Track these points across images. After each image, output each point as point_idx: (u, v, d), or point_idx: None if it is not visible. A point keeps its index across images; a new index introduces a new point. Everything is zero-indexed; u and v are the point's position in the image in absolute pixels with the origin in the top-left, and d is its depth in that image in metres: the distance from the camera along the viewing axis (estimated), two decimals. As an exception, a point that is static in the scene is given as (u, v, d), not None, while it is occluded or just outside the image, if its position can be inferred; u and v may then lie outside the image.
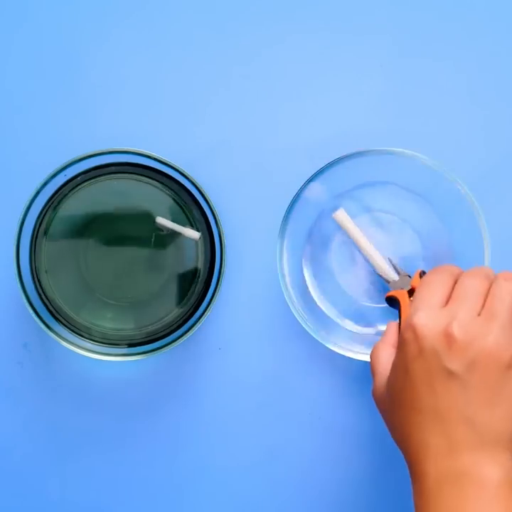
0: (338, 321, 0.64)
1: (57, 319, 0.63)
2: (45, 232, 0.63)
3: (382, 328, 0.63)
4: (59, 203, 0.63)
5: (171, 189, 0.64)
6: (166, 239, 0.64)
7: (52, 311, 0.63)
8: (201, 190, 0.63)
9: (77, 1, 0.66)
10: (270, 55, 0.65)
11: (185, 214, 0.64)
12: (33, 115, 0.66)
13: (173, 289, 0.64)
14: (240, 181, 0.65)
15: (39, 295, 0.63)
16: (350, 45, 0.65)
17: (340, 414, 0.65)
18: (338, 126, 0.65)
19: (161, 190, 0.64)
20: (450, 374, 0.49)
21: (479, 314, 0.50)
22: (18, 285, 0.62)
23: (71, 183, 0.63)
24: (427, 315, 0.50)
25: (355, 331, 0.64)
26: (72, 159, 0.62)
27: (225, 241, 0.63)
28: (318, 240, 0.64)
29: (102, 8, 0.66)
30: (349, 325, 0.64)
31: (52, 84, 0.66)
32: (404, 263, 0.63)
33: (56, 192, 0.63)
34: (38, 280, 0.63)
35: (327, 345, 0.61)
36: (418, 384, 0.50)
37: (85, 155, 0.62)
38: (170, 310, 0.64)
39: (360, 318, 0.64)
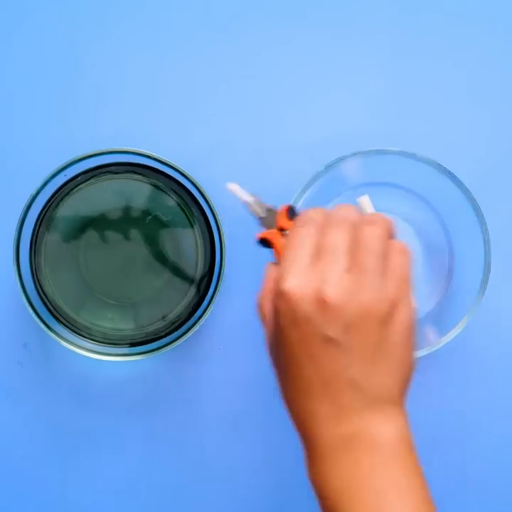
0: None
1: (57, 319, 0.63)
2: (45, 232, 0.63)
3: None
4: (59, 203, 0.63)
5: (171, 189, 0.64)
6: (166, 237, 0.64)
7: (52, 311, 0.63)
8: (201, 190, 0.63)
9: (77, 1, 0.66)
10: (270, 56, 0.66)
11: (185, 214, 0.64)
12: (33, 115, 0.66)
13: (173, 288, 0.64)
14: (240, 181, 0.65)
15: (39, 295, 0.63)
16: (351, 46, 0.65)
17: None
18: (339, 126, 0.65)
19: (161, 190, 0.64)
20: (328, 340, 0.46)
21: (349, 270, 0.47)
22: (18, 285, 0.62)
23: (71, 183, 0.63)
24: (296, 280, 0.47)
25: None
26: (72, 159, 0.62)
27: (225, 241, 0.63)
28: None
29: (102, 8, 0.66)
30: None
31: (52, 84, 0.66)
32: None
33: (56, 192, 0.63)
34: (38, 280, 0.63)
35: None
36: (297, 353, 0.47)
37: (85, 155, 0.62)
38: (170, 310, 0.64)
39: None
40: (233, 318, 0.65)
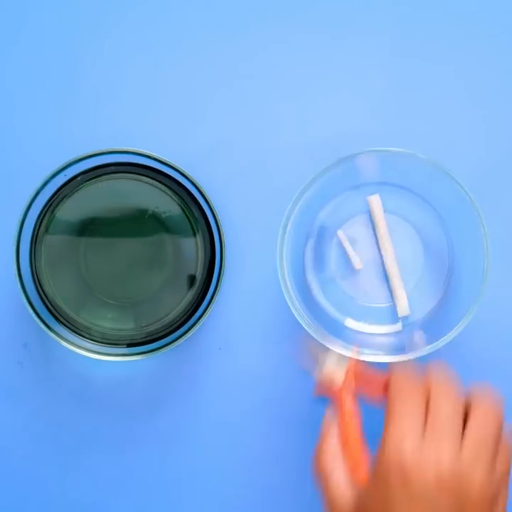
0: (340, 319, 0.64)
1: (57, 319, 0.63)
2: (45, 233, 0.63)
3: (384, 328, 0.64)
4: (59, 203, 0.63)
5: (171, 189, 0.64)
6: (166, 237, 0.64)
7: (52, 311, 0.63)
8: (201, 190, 0.63)
9: (76, 2, 0.66)
10: (270, 56, 0.66)
11: (185, 214, 0.64)
12: (33, 115, 0.66)
13: (173, 289, 0.64)
14: (240, 181, 0.65)
15: (39, 295, 0.63)
16: (351, 46, 0.65)
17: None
18: (339, 126, 0.65)
19: (161, 190, 0.64)
20: None
21: (461, 446, 0.49)
22: (18, 285, 0.62)
23: (71, 183, 0.63)
24: (412, 452, 0.48)
25: (357, 329, 0.64)
26: (72, 159, 0.62)
27: (225, 241, 0.63)
28: (320, 239, 0.64)
29: (101, 8, 0.66)
30: (351, 323, 0.64)
31: (52, 84, 0.66)
32: (405, 262, 0.64)
33: (56, 192, 0.63)
34: (38, 280, 0.63)
35: (327, 345, 0.61)
36: None
37: (85, 155, 0.62)
38: (170, 310, 0.64)
39: (362, 316, 0.64)
40: (233, 318, 0.65)
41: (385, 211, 0.64)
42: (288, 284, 0.61)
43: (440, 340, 0.58)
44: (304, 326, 0.61)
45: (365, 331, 0.64)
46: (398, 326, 0.64)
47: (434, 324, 0.62)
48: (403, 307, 0.63)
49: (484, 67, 0.65)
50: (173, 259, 0.64)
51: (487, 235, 0.59)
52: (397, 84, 0.65)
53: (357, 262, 0.64)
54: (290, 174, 0.64)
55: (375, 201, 0.63)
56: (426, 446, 0.48)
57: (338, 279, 0.64)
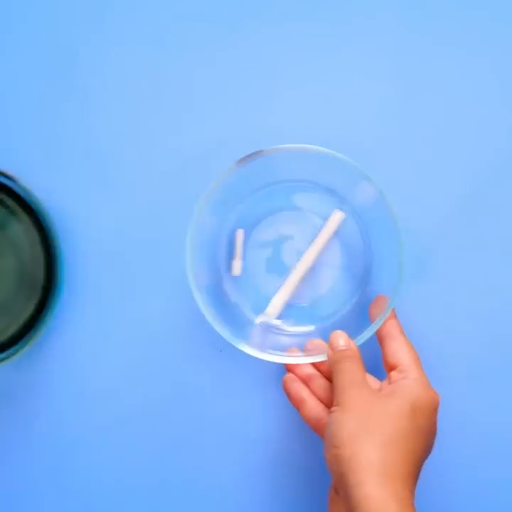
0: (253, 319, 0.64)
1: None
2: None
3: (298, 328, 0.64)
4: None
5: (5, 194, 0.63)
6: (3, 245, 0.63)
7: None
8: (30, 192, 0.61)
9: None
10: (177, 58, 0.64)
11: (19, 218, 0.63)
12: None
13: (17, 298, 0.63)
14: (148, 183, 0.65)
15: None
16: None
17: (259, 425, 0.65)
18: (255, 122, 0.64)
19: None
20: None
21: None
22: None
23: None
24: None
25: (269, 329, 0.64)
26: None
27: (62, 249, 0.63)
28: (233, 238, 0.64)
29: (98, 9, 0.65)
30: (265, 323, 0.63)
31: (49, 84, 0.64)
32: (323, 261, 0.63)
33: None
34: None
35: (239, 347, 0.60)
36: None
37: None
38: (15, 320, 0.63)
39: (282, 316, 0.64)
40: (84, 324, 0.65)
41: (304, 209, 0.63)
42: (195, 283, 0.60)
43: (356, 338, 0.59)
44: (212, 324, 0.60)
45: (278, 330, 0.64)
46: (311, 327, 0.64)
47: (351, 324, 0.62)
48: (271, 312, 0.63)
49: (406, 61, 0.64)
50: (12, 267, 0.63)
51: (400, 237, 0.59)
52: (314, 80, 0.64)
53: (237, 267, 0.63)
54: (201, 172, 0.64)
55: (336, 218, 0.63)
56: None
57: (251, 278, 0.64)
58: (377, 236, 0.62)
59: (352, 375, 0.57)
